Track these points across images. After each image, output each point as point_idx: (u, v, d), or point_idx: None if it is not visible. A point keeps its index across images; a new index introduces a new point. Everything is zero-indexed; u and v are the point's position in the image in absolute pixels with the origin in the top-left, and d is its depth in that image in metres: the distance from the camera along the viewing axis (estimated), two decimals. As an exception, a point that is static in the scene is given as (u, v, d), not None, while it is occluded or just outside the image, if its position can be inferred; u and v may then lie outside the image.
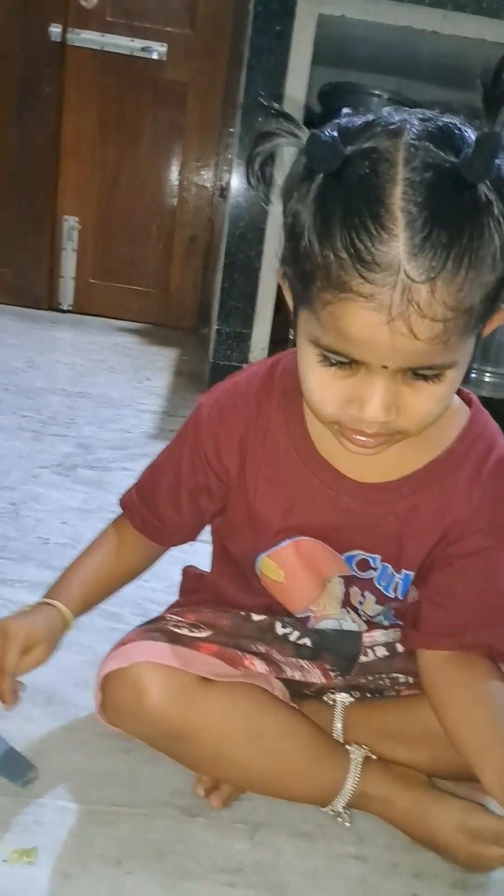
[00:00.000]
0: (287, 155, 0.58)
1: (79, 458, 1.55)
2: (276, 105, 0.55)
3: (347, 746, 0.76)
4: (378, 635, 0.79)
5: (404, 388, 0.56)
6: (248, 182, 0.57)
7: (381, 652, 0.79)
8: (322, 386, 0.58)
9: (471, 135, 0.51)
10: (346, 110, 0.56)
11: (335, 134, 0.52)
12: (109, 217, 2.80)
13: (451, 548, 0.71)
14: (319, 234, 0.51)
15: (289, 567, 0.74)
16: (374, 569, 0.73)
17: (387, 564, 0.73)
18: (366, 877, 0.71)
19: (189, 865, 0.69)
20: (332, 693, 0.81)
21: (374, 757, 0.76)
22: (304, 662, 0.77)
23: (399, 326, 0.50)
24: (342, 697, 0.80)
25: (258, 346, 2.05)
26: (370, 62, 2.17)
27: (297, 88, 1.86)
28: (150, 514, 0.80)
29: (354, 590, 0.76)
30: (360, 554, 0.73)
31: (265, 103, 0.55)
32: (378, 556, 0.73)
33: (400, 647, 0.79)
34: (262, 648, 0.76)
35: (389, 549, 0.72)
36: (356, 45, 2.02)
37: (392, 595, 0.74)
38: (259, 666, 0.73)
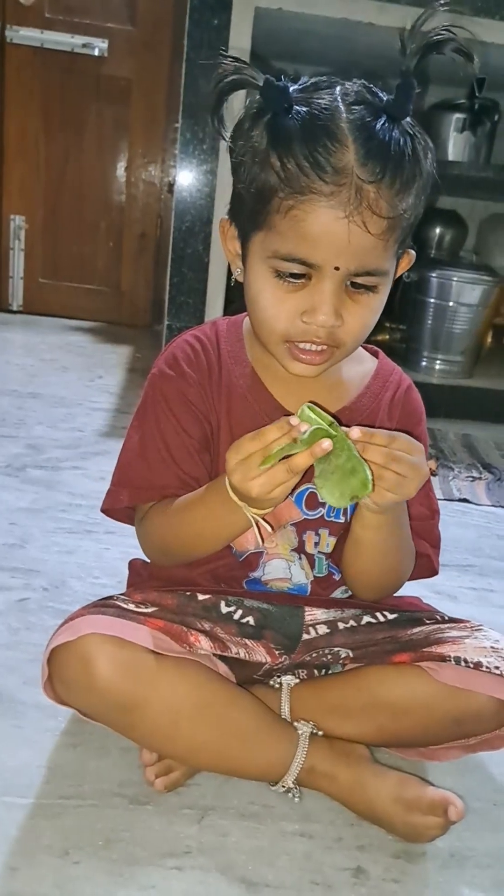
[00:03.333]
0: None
1: (28, 458, 1.54)
2: (236, 56, 0.66)
3: (295, 723, 0.78)
4: (319, 614, 0.81)
5: (346, 299, 0.66)
6: (211, 123, 0.68)
7: (323, 630, 0.81)
8: (275, 300, 0.67)
9: (383, 91, 0.66)
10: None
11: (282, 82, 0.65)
12: (57, 215, 2.78)
13: None
14: (280, 153, 0.63)
15: None
16: (322, 503, 0.77)
17: None
18: (311, 852, 0.72)
19: (136, 852, 0.70)
20: (278, 677, 0.83)
21: (319, 733, 0.78)
22: (248, 641, 0.79)
23: (355, 219, 0.62)
24: (287, 680, 0.82)
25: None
26: (309, 55, 2.18)
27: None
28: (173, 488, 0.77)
29: (309, 534, 0.79)
30: (308, 487, 0.77)
31: (224, 53, 0.66)
32: None
33: (341, 625, 0.81)
34: (206, 626, 0.77)
35: None
36: (295, 37, 2.04)
37: (343, 520, 0.79)
38: (204, 643, 0.74)
